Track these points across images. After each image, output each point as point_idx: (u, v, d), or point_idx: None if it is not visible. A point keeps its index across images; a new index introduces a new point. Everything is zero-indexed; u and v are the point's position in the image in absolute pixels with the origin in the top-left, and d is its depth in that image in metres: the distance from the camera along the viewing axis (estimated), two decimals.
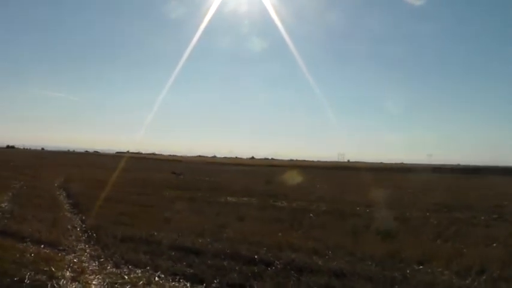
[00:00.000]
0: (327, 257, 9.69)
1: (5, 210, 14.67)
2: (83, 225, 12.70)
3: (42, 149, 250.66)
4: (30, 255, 8.95)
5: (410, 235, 12.52)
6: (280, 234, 12.11)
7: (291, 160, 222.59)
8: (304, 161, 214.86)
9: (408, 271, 8.69)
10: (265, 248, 10.18)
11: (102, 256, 9.37)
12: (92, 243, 10.64)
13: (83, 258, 9.24)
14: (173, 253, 9.72)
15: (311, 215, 16.32)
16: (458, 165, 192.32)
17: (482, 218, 16.57)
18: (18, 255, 8.81)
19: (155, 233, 11.75)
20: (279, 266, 8.89)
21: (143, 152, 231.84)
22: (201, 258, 9.34)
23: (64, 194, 20.38)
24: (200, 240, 10.95)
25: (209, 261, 9.14)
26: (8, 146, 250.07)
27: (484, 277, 8.35)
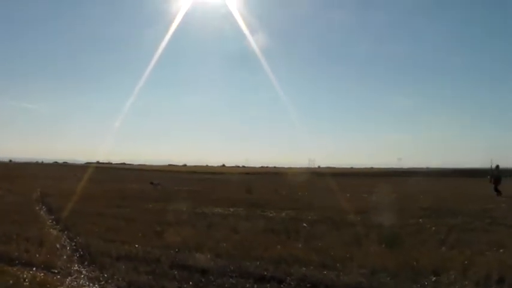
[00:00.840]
0: (338, 270, 9.29)
1: None
2: (72, 244, 12.00)
3: (10, 160, 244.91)
4: (25, 280, 8.29)
5: (416, 243, 12.24)
6: (279, 246, 11.68)
7: (263, 167, 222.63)
8: (276, 167, 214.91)
9: (426, 283, 8.38)
10: (272, 264, 9.74)
11: (101, 278, 8.77)
12: (87, 263, 9.99)
13: (81, 281, 8.61)
14: (176, 272, 9.18)
15: (304, 224, 15.92)
16: (428, 168, 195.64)
17: (477, 223, 16.42)
18: (12, 281, 8.15)
19: (151, 250, 11.22)
20: (292, 283, 8.46)
21: (113, 162, 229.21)
22: (207, 277, 8.83)
23: (44, 209, 19.50)
24: (200, 257, 10.45)
25: (217, 280, 8.64)
26: None
27: (506, 286, 8.10)
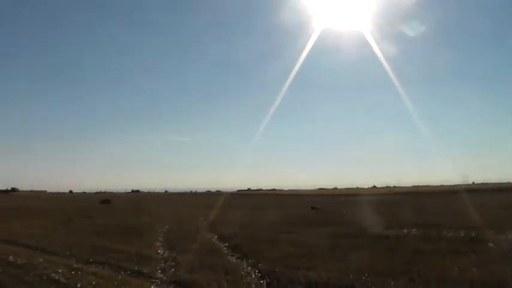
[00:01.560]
0: None
1: (166, 257, 14.08)
2: (256, 271, 11.62)
3: (166, 191, 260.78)
4: None
5: None
6: None
7: (415, 186, 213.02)
8: (429, 186, 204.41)
9: None
10: None
11: None
12: None
13: None
14: None
15: None
16: None
17: None
18: None
19: (338, 275, 10.51)
20: None
21: (263, 188, 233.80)
22: None
23: (215, 237, 19.71)
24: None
25: None
26: (132, 191, 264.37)
27: None
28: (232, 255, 14.55)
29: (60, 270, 11.57)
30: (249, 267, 12.21)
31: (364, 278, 10.17)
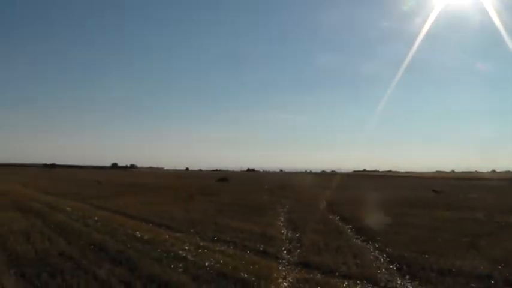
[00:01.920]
0: None
1: (290, 237, 14.10)
2: (384, 255, 11.29)
3: (281, 170, 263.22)
4: None
5: None
6: None
7: None
8: None
9: None
10: None
11: None
12: (408, 277, 9.13)
13: None
14: None
15: None
16: None
17: None
18: None
19: (473, 263, 9.92)
20: None
21: (379, 170, 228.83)
22: None
23: (337, 218, 19.50)
24: None
25: None
26: (248, 169, 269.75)
27: None
28: (356, 238, 14.30)
29: (186, 247, 11.85)
30: (376, 251, 11.91)
31: (500, 267, 9.52)
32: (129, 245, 11.99)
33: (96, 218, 17.49)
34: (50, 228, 14.88)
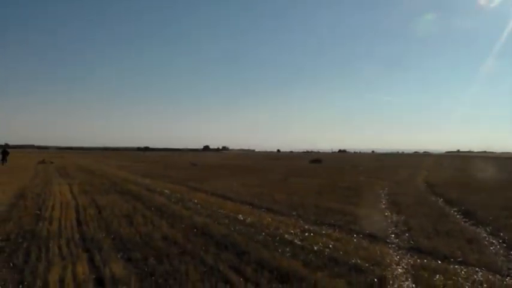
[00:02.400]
0: None
1: (395, 221, 13.72)
2: (500, 241, 10.74)
3: (372, 151, 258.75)
4: (472, 281, 7.45)
5: None
6: None
7: None
8: None
9: None
10: None
11: None
12: None
13: None
14: None
15: None
16: None
17: None
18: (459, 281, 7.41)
19: None
20: None
21: (474, 150, 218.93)
22: None
23: (440, 200, 18.79)
24: None
25: None
26: (339, 151, 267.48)
27: None
28: (465, 222, 13.70)
29: (291, 231, 11.77)
30: (489, 236, 11.35)
31: None
32: (232, 229, 12.06)
33: (195, 201, 17.86)
34: (151, 211, 15.28)
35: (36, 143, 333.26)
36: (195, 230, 11.83)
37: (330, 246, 10.07)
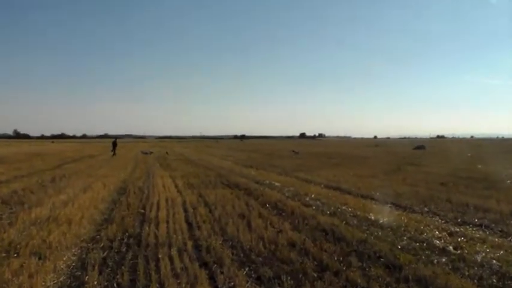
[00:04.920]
0: None
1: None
2: None
3: (472, 137, 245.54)
4: None
5: None
6: None
7: None
8: None
9: None
10: None
11: None
12: None
13: None
14: None
15: None
16: None
17: None
18: None
19: None
20: None
21: None
22: None
23: None
24: None
25: None
26: (438, 136, 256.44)
27: None
28: None
29: (438, 234, 9.88)
30: None
31: None
32: (367, 231, 10.15)
33: (312, 195, 15.91)
34: (267, 209, 13.32)
35: (134, 133, 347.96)
36: (324, 233, 10.00)
37: (492, 256, 8.18)
